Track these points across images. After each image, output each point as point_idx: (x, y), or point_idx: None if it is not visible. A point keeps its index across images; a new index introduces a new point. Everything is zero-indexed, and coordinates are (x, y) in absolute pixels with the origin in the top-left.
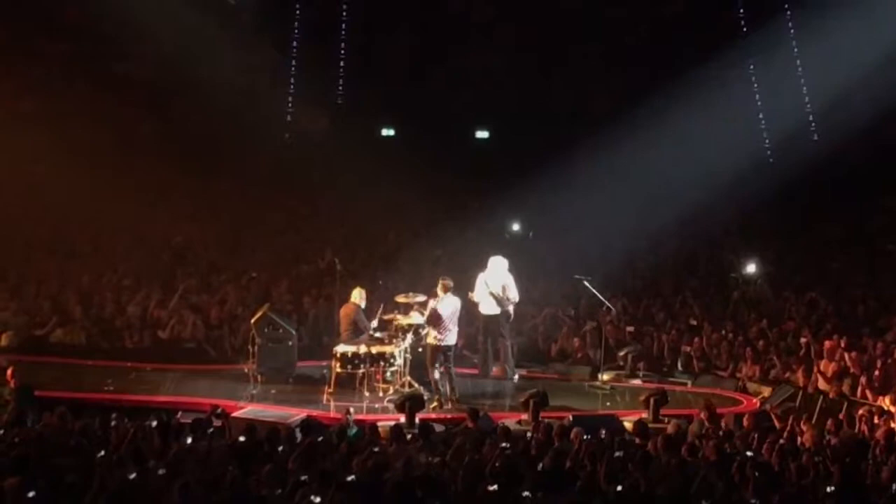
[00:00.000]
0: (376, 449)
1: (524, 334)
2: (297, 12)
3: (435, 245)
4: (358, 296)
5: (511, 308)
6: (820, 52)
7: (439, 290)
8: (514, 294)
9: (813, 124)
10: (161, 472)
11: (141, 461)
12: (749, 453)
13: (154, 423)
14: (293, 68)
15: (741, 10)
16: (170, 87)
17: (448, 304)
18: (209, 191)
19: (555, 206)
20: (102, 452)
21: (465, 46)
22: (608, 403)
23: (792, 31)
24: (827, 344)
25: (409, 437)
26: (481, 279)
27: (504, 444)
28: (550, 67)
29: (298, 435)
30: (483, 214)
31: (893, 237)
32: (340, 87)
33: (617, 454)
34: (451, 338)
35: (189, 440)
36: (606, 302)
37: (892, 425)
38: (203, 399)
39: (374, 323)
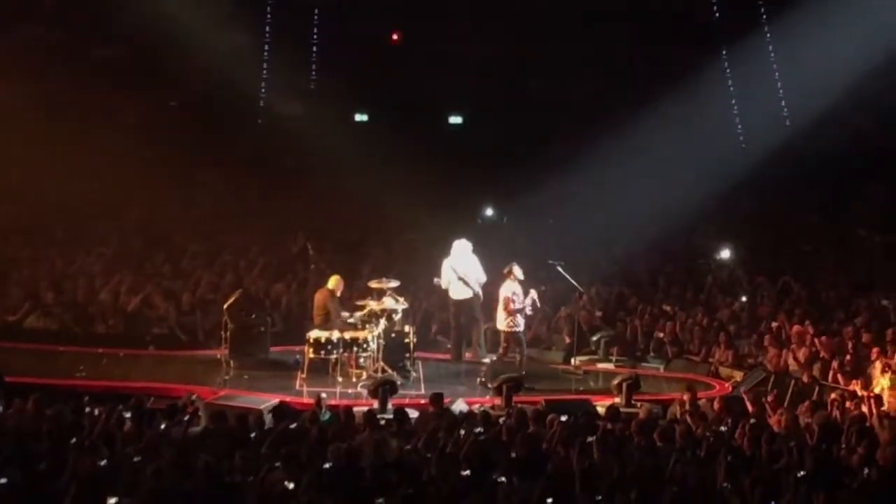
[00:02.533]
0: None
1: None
2: None
3: (409, 230)
4: (335, 283)
5: (480, 290)
6: (793, 37)
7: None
8: (482, 276)
9: (785, 110)
10: (134, 458)
11: (113, 447)
12: (721, 437)
13: (127, 410)
14: (266, 53)
15: None
16: (146, 72)
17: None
18: (185, 176)
19: (528, 191)
20: (75, 439)
21: (439, 31)
22: (581, 388)
23: (764, 17)
24: (798, 329)
25: (382, 422)
26: (447, 264)
27: (478, 430)
28: (525, 53)
29: (271, 420)
30: (457, 199)
31: (865, 222)
32: (313, 72)
33: (590, 439)
34: (498, 322)
35: (162, 426)
36: (579, 287)
37: (864, 409)
38: (176, 385)
39: (348, 315)
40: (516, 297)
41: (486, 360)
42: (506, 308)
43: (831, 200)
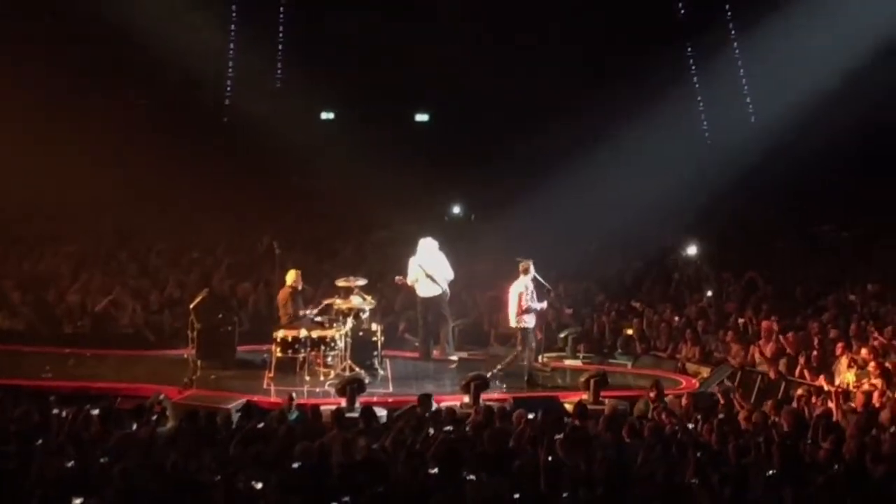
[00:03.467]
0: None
1: (469, 316)
2: None
3: (376, 228)
4: (293, 278)
5: (447, 288)
6: (758, 33)
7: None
8: (449, 273)
9: (751, 106)
10: (102, 459)
11: (81, 448)
12: (689, 434)
13: (94, 410)
14: (232, 51)
15: None
16: (112, 72)
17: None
18: (150, 175)
19: (496, 188)
20: (41, 440)
21: (405, 29)
22: (549, 385)
23: (729, 13)
24: (764, 324)
25: (350, 421)
26: (414, 262)
27: (446, 428)
28: (491, 50)
29: (239, 420)
30: (424, 197)
31: (830, 219)
32: (279, 71)
33: (557, 436)
34: (510, 319)
35: (130, 427)
36: (547, 284)
37: (830, 405)
38: (143, 385)
39: (311, 312)
40: (529, 292)
41: (454, 359)
42: (518, 303)
43: (797, 196)
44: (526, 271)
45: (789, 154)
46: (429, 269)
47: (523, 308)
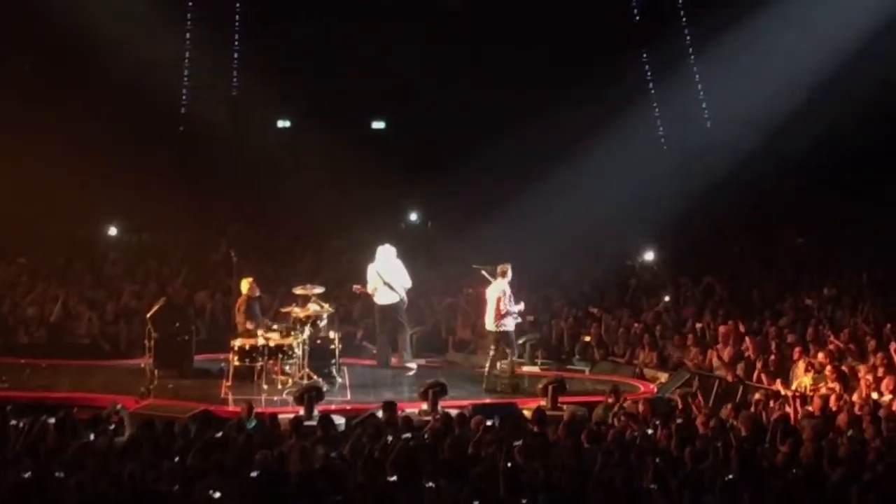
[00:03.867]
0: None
1: (427, 323)
2: (191, 2)
3: (333, 236)
4: (247, 287)
5: (405, 295)
6: (712, 38)
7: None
8: (407, 281)
9: (706, 111)
10: (58, 469)
11: (37, 459)
12: (648, 439)
13: (51, 420)
14: (187, 60)
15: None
16: (66, 81)
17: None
18: (106, 185)
19: (452, 195)
20: None
21: (362, 36)
22: (508, 392)
23: (684, 19)
24: (722, 329)
25: (308, 429)
26: (372, 270)
27: (405, 435)
28: (447, 57)
29: (197, 429)
30: (381, 205)
31: (788, 223)
32: (235, 79)
33: (516, 443)
34: (487, 323)
35: (87, 437)
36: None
37: (787, 410)
38: (100, 395)
39: (268, 320)
40: (507, 296)
41: (412, 366)
42: (497, 307)
43: (753, 201)
44: (504, 274)
45: (745, 159)
46: (386, 276)
47: (502, 312)
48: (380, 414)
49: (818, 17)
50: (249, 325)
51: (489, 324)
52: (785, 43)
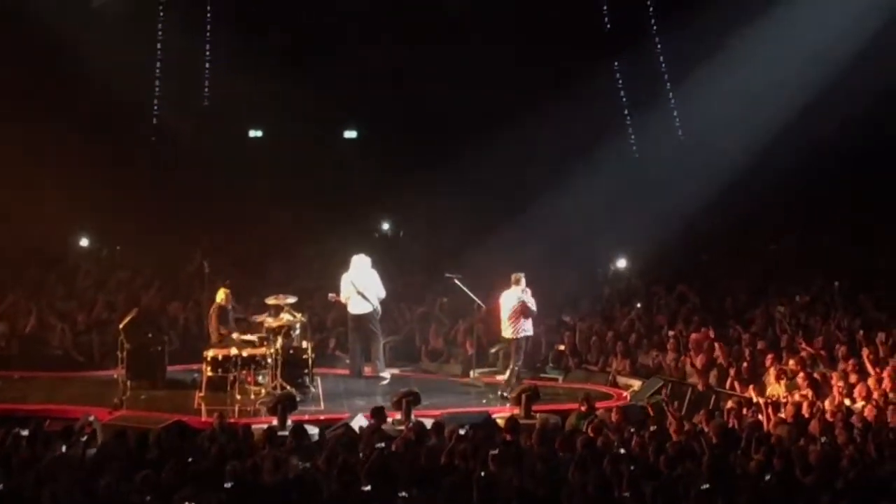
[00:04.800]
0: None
1: (400, 333)
2: (162, 13)
3: (306, 245)
4: (223, 297)
5: (379, 305)
6: (684, 48)
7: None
8: (381, 290)
9: (678, 120)
10: (31, 482)
11: (10, 471)
12: (622, 446)
13: (23, 432)
14: (158, 70)
15: (605, 7)
16: (35, 91)
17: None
18: (78, 196)
19: (425, 204)
20: None
21: (332, 46)
22: (484, 401)
23: (655, 26)
24: (694, 336)
25: (282, 439)
26: (346, 279)
27: (379, 444)
28: (419, 66)
29: (170, 440)
30: (353, 214)
31: (759, 230)
32: (207, 89)
33: (490, 451)
34: (504, 330)
35: (60, 448)
36: (477, 300)
37: (760, 417)
38: (72, 406)
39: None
40: (527, 303)
41: (385, 375)
42: (524, 314)
43: (725, 209)
44: (518, 282)
45: (717, 168)
46: (360, 286)
47: (527, 316)
48: (355, 423)
49: (790, 28)
50: (223, 331)
51: (506, 331)
52: (758, 53)
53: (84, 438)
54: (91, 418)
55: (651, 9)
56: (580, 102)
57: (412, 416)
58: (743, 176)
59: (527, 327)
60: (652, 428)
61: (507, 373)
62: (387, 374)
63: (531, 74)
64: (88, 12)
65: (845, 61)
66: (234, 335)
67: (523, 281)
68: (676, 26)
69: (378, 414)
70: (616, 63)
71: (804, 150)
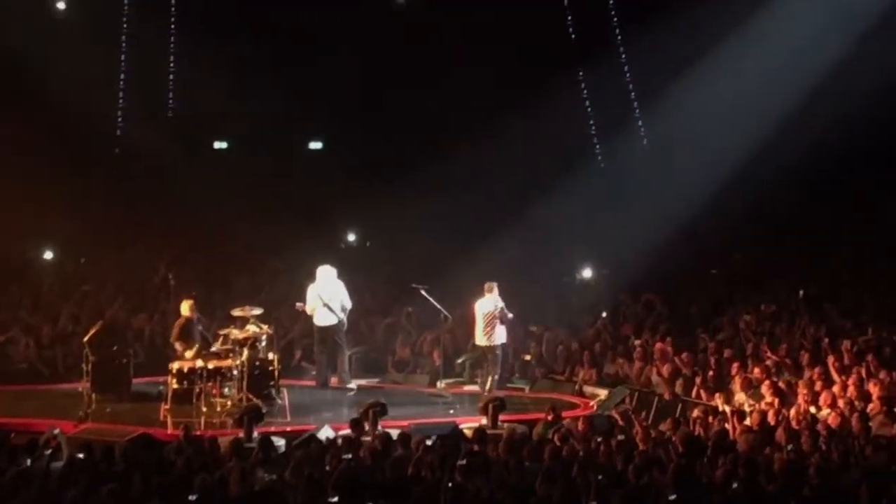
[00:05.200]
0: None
1: (367, 343)
2: (125, 24)
3: (272, 257)
4: (188, 309)
5: (345, 316)
6: (648, 56)
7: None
8: (347, 302)
9: (642, 128)
10: None
11: None
12: (589, 456)
13: None
14: (122, 81)
15: (570, 17)
16: None
17: (476, 305)
18: (42, 208)
19: (391, 214)
20: None
21: (298, 56)
22: (451, 411)
23: (620, 37)
24: (659, 345)
25: (248, 451)
26: (313, 290)
27: (345, 455)
28: (382, 76)
29: (135, 453)
30: (319, 224)
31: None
32: (171, 100)
33: (457, 462)
34: (477, 338)
35: (25, 462)
36: (444, 311)
37: (726, 426)
38: (37, 420)
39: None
40: (497, 310)
41: (352, 386)
42: (501, 321)
43: (690, 218)
44: (490, 291)
45: (681, 176)
46: (326, 297)
47: (503, 322)
48: (322, 434)
49: (758, 42)
50: (179, 347)
51: (481, 339)
52: (725, 64)
53: (49, 452)
54: (56, 431)
55: (616, 20)
56: (546, 113)
57: (379, 427)
58: (708, 186)
59: (502, 335)
60: (619, 437)
61: (489, 382)
62: (353, 385)
63: (497, 86)
64: (51, 24)
65: (814, 77)
66: (188, 353)
67: (496, 289)
68: (642, 37)
69: (356, 426)
70: (581, 74)
71: (771, 161)
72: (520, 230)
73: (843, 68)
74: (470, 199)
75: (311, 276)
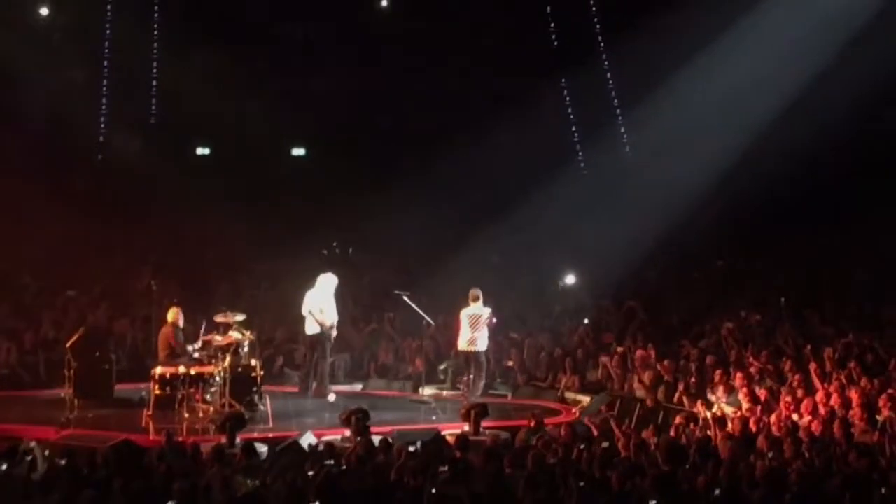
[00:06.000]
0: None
1: (350, 349)
2: (108, 31)
3: (254, 263)
4: (173, 316)
5: (330, 329)
6: (631, 59)
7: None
8: (329, 317)
9: (625, 135)
10: None
11: None
12: (571, 463)
13: None
14: (105, 88)
15: (552, 25)
16: None
17: (462, 312)
18: (22, 213)
19: (374, 221)
20: None
21: (281, 63)
22: (433, 417)
23: (602, 44)
24: (640, 353)
25: (230, 457)
26: (309, 297)
27: (327, 462)
28: (366, 84)
29: (118, 459)
30: (301, 231)
31: (705, 245)
32: (154, 106)
33: (439, 468)
34: (461, 343)
35: (3, 467)
36: (426, 317)
37: (708, 432)
38: (19, 425)
39: (197, 344)
40: (482, 318)
41: (331, 398)
42: (488, 326)
43: (672, 225)
44: (476, 299)
45: (664, 184)
46: (311, 306)
47: (490, 327)
48: (304, 441)
49: (741, 50)
50: (179, 351)
51: (463, 344)
52: (708, 71)
53: (29, 458)
54: (32, 445)
55: (598, 26)
56: (528, 120)
57: (362, 434)
58: (690, 192)
59: (485, 341)
60: (604, 444)
61: (479, 386)
62: (332, 396)
63: (479, 93)
64: (34, 31)
65: (797, 84)
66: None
67: (481, 297)
68: (624, 43)
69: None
70: (563, 80)
71: (752, 168)
72: (502, 237)
73: (826, 76)
74: (452, 206)
75: (298, 283)
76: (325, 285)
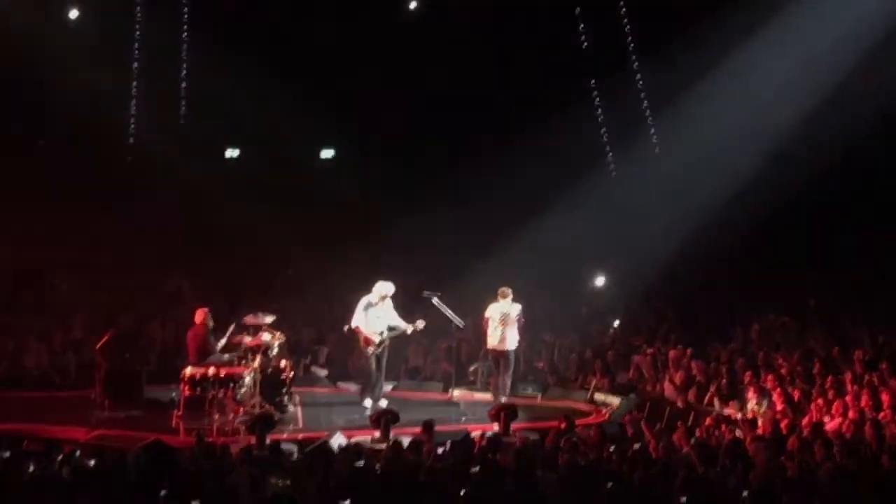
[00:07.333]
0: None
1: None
2: (138, 33)
3: (284, 265)
4: (202, 317)
5: (385, 337)
6: (663, 65)
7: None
8: (380, 323)
9: (655, 137)
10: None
11: None
12: (601, 464)
13: (5, 453)
14: (135, 89)
15: (583, 27)
16: (12, 111)
17: (490, 310)
18: (55, 214)
19: (403, 224)
20: None
21: (310, 65)
22: (463, 419)
23: (632, 44)
24: (672, 353)
25: (259, 458)
26: (363, 303)
27: (357, 462)
28: (393, 85)
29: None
30: (330, 233)
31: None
32: (183, 108)
33: (468, 469)
34: (490, 341)
35: (38, 468)
36: (455, 318)
37: (738, 434)
38: (50, 426)
39: (221, 343)
40: (513, 316)
41: (366, 405)
42: (518, 325)
43: (703, 227)
44: (505, 296)
45: (694, 187)
46: (374, 314)
47: (521, 325)
48: (334, 441)
49: (772, 57)
50: (211, 351)
51: (492, 342)
52: (740, 79)
53: (61, 458)
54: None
55: (629, 31)
56: (559, 124)
57: (391, 434)
58: (720, 195)
59: (515, 339)
60: (636, 445)
61: (507, 385)
62: (367, 404)
63: (509, 96)
64: (63, 32)
65: (827, 93)
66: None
67: (510, 294)
68: (656, 48)
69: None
70: (594, 83)
71: (782, 172)
72: (533, 239)
73: (854, 82)
74: (483, 209)
75: (325, 285)
76: (372, 293)
